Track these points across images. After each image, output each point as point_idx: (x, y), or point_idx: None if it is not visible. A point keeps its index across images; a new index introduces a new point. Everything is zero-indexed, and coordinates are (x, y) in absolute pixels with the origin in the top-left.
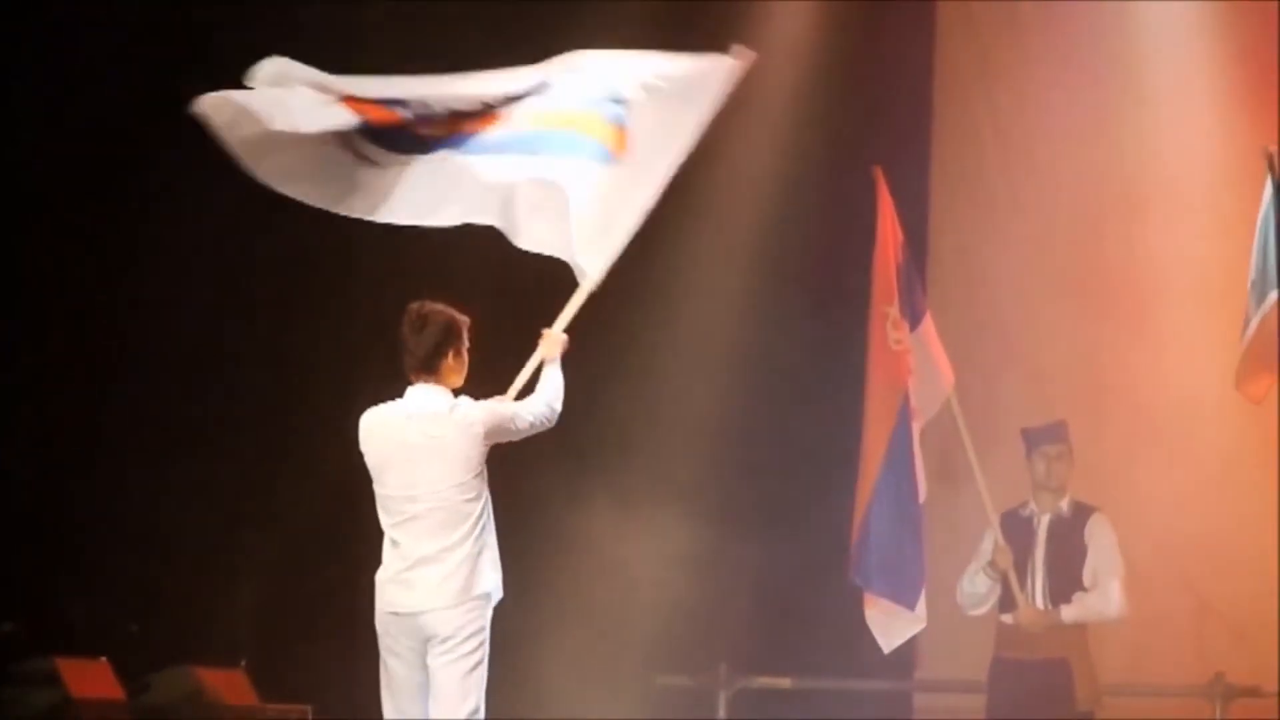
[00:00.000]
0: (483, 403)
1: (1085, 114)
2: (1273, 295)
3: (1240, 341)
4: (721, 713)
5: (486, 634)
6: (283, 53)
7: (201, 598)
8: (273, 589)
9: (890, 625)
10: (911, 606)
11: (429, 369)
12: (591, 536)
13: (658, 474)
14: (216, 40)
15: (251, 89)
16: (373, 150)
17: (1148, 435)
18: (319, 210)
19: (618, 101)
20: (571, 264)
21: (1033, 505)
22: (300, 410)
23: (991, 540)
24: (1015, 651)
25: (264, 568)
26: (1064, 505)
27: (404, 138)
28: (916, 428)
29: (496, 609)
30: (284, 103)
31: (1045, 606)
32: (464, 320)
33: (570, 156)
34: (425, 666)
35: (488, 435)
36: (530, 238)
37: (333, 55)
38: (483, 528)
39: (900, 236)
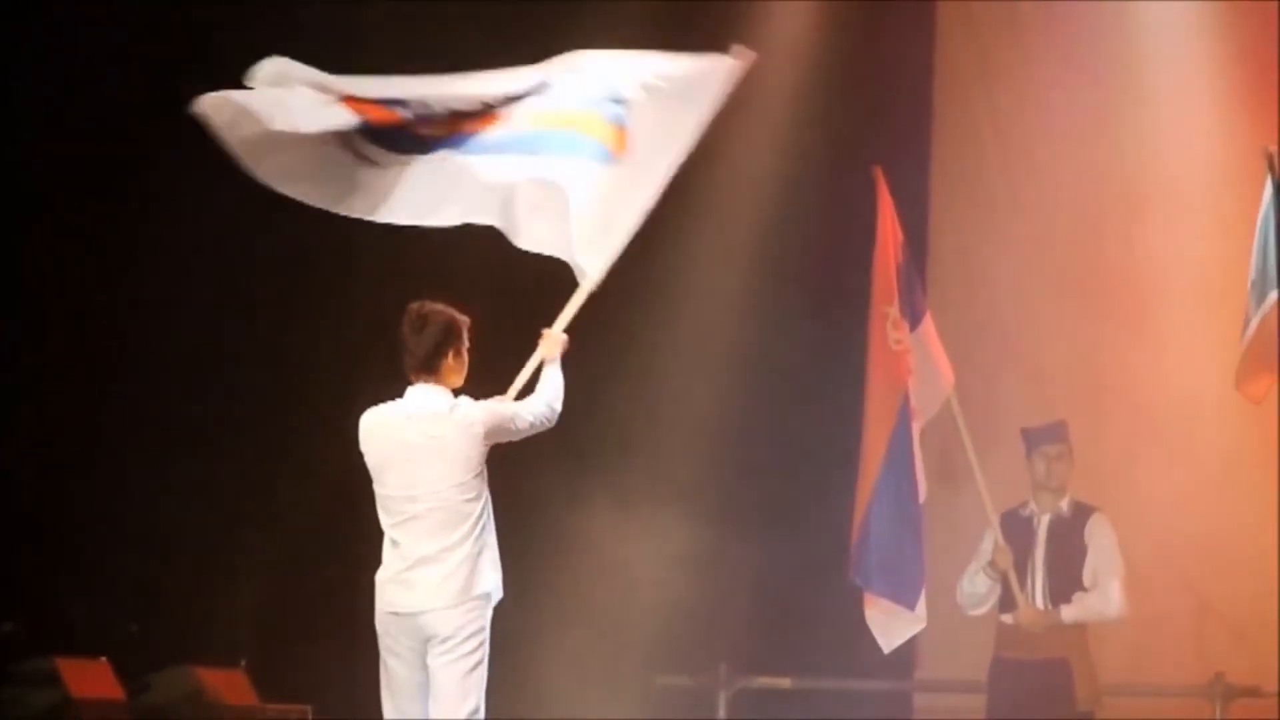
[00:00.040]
0: (482, 403)
1: (1085, 114)
2: (1273, 295)
3: (1240, 341)
4: (721, 713)
5: (486, 634)
6: (283, 52)
7: (201, 598)
8: (273, 589)
9: (890, 625)
10: (911, 606)
11: (429, 369)
12: (591, 536)
13: (658, 474)
14: (216, 40)
15: (251, 89)
16: (373, 150)
17: (1148, 435)
18: (318, 210)
19: (618, 101)
20: (571, 264)
21: (1033, 505)
22: (300, 410)
23: (991, 540)
24: (1015, 651)
25: (264, 568)
26: (1064, 505)
27: (404, 138)
28: (916, 428)
29: (497, 609)
30: (284, 103)
31: (1045, 606)
32: (464, 320)
33: (570, 156)
34: (425, 666)
35: (488, 435)
36: (530, 238)
37: (333, 55)
38: (483, 528)
39: (900, 236)
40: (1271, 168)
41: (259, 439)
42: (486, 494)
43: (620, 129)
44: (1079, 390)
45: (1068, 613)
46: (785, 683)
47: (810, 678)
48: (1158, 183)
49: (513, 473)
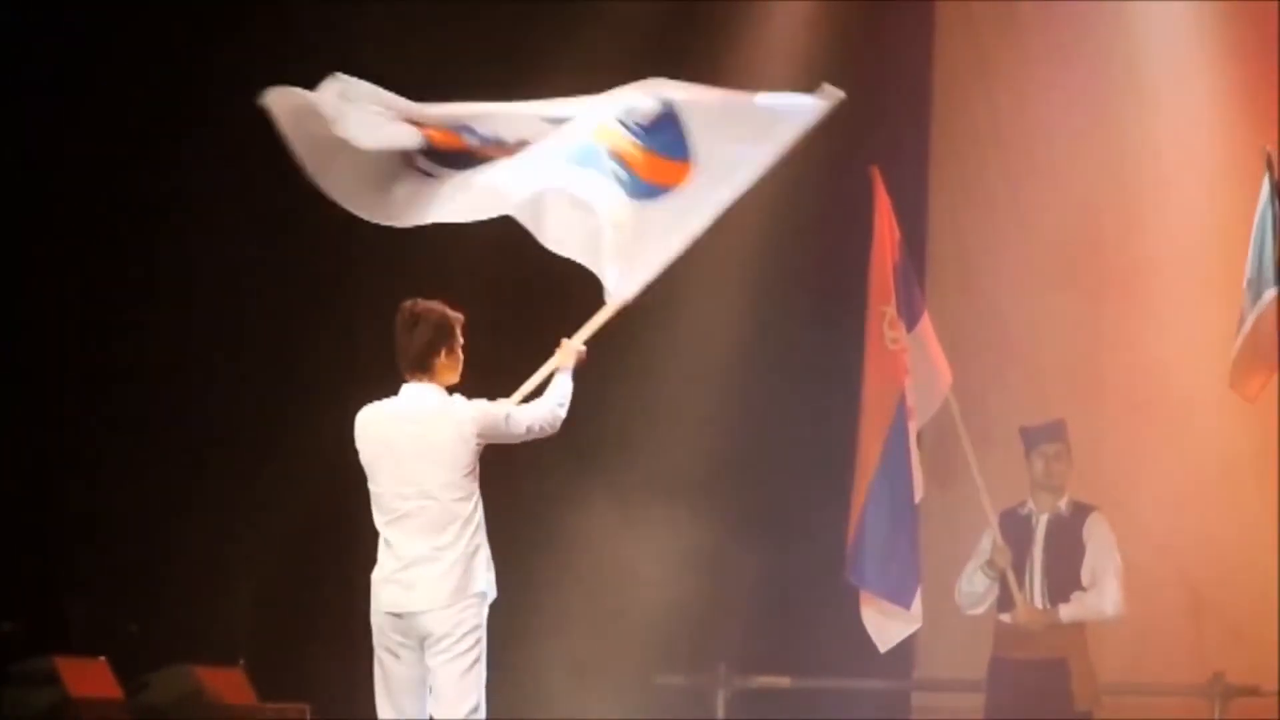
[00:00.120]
0: (475, 402)
1: (1085, 114)
2: (1269, 293)
3: (1235, 340)
4: (720, 712)
5: (483, 631)
6: (283, 52)
7: (200, 597)
8: (271, 588)
9: (886, 625)
10: (907, 606)
11: (422, 367)
12: (591, 536)
13: (658, 474)
14: (218, 41)
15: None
16: (431, 165)
17: (1147, 435)
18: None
19: (683, 133)
20: (600, 277)
21: (1031, 504)
22: (299, 409)
23: (990, 539)
24: (1014, 651)
25: (262, 567)
26: (1062, 504)
27: (465, 158)
28: (914, 427)
29: (496, 609)
30: (347, 115)
31: (1044, 606)
32: (457, 317)
33: (607, 179)
34: (423, 664)
35: (480, 435)
36: (556, 241)
37: (333, 55)
38: (475, 528)
39: (898, 236)
40: (1269, 167)
41: (258, 439)
42: (478, 494)
43: (674, 162)
44: (1078, 389)
45: (1066, 612)
46: (784, 682)
47: (809, 677)
48: (1157, 182)
49: (513, 473)
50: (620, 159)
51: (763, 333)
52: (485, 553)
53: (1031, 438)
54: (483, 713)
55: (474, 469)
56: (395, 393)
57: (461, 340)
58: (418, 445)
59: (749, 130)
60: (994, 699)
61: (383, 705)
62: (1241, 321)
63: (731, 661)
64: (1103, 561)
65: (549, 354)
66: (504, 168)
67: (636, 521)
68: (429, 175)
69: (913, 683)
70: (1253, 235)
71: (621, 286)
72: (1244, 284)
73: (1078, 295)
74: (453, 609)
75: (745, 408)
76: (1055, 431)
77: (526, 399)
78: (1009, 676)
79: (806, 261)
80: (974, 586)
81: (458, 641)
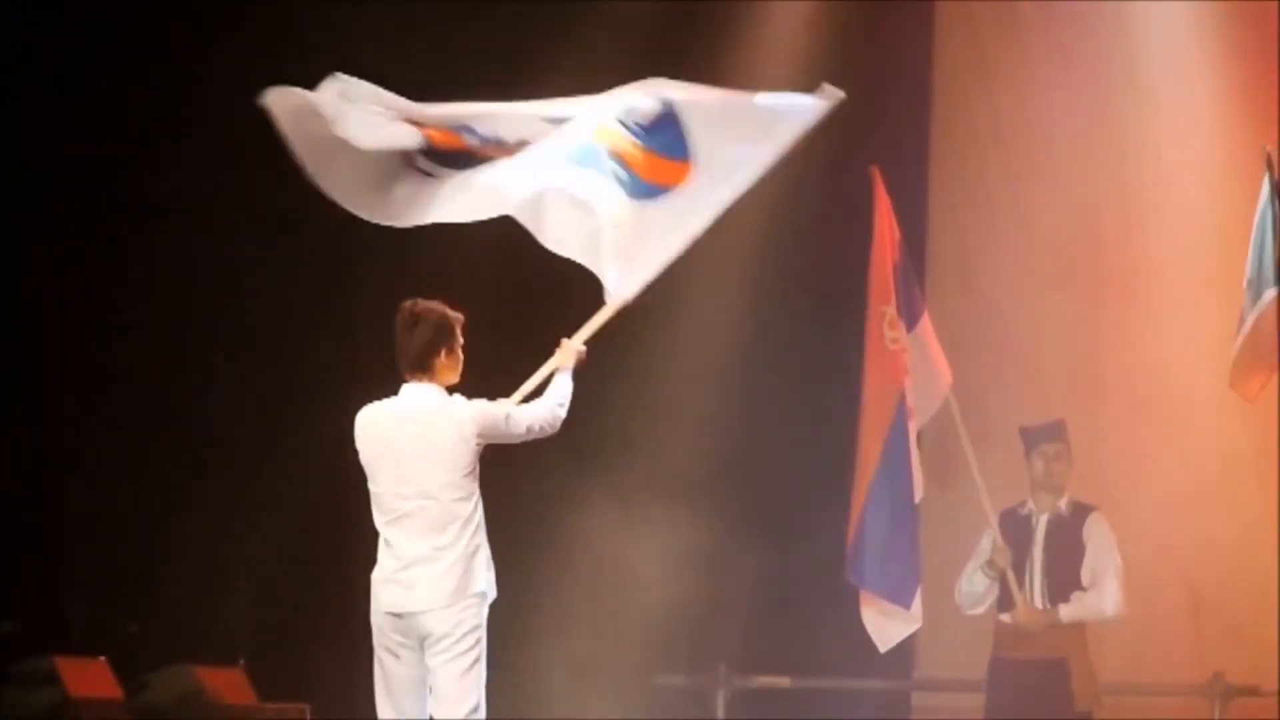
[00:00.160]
0: (475, 402)
1: (1085, 114)
2: (1269, 293)
3: (1235, 340)
4: (720, 712)
5: (483, 631)
6: (284, 52)
7: (200, 597)
8: (271, 588)
9: (886, 625)
10: (907, 606)
11: (422, 367)
12: (591, 536)
13: (658, 474)
14: (218, 42)
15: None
16: (431, 165)
17: (1147, 435)
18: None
19: (683, 133)
20: (599, 277)
21: (1031, 504)
22: (299, 409)
23: (990, 539)
24: (1014, 651)
25: (262, 567)
26: (1062, 504)
27: (465, 158)
28: (914, 427)
29: (496, 609)
30: (347, 115)
31: (1043, 606)
32: (457, 317)
33: (607, 179)
34: (423, 663)
35: (480, 435)
36: (556, 241)
37: (333, 55)
38: (475, 528)
39: (897, 236)
40: (1270, 167)
41: (258, 439)
42: (477, 494)
43: (674, 162)
44: (1078, 389)
45: (1066, 612)
46: (784, 682)
47: (809, 677)
48: (1157, 182)
49: (513, 473)
50: (620, 159)
51: (763, 333)
52: (485, 553)
53: (1031, 438)
54: (483, 712)
55: (474, 469)
56: (395, 393)
57: (461, 340)
58: (418, 445)
59: (749, 130)
60: (994, 699)
61: (382, 705)
62: (1241, 321)
63: (731, 661)
64: (1103, 561)
65: (549, 354)
66: (504, 168)
67: (636, 521)
68: (429, 175)
69: (913, 683)
70: (1253, 235)
71: (621, 287)
72: (1244, 284)
73: (1078, 295)
74: (453, 609)
75: (745, 408)
76: (1055, 431)
77: (527, 399)
78: (1009, 676)
79: (806, 261)
80: (974, 586)
81: (457, 641)
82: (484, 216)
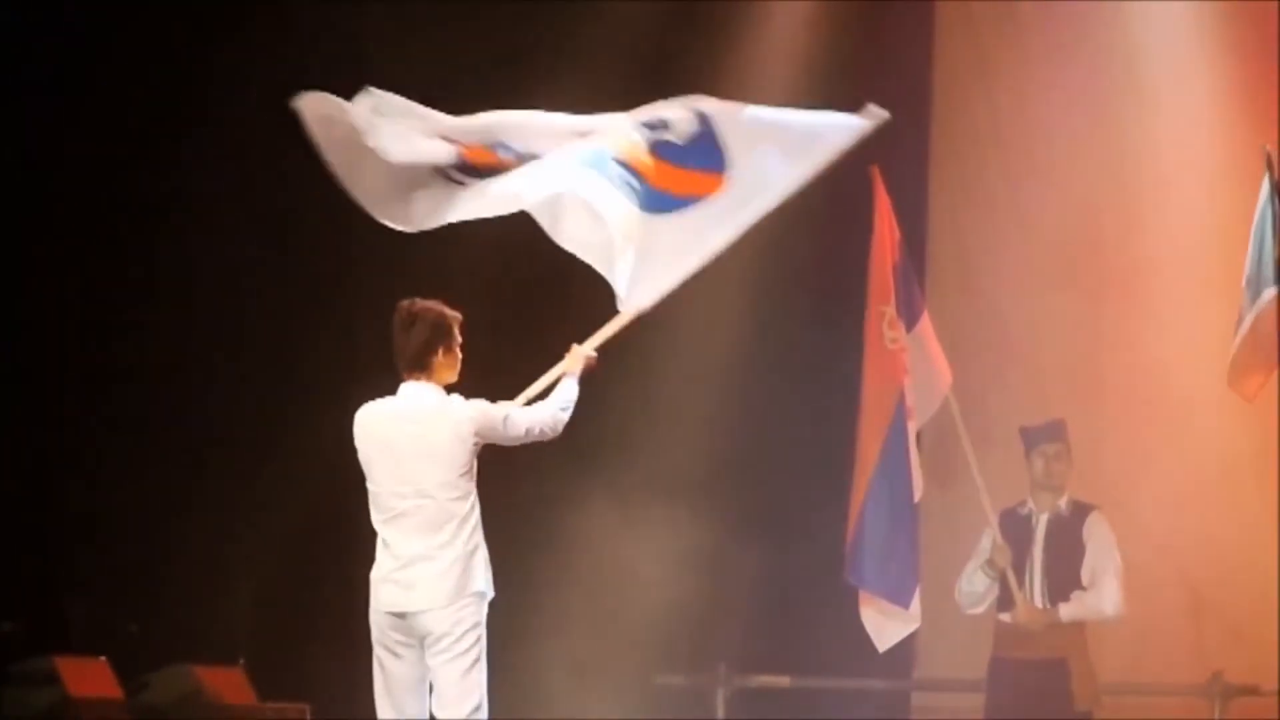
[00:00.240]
0: (474, 402)
1: (1084, 114)
2: (1269, 292)
3: (1233, 339)
4: (720, 712)
5: (482, 630)
6: (283, 52)
7: (200, 597)
8: (271, 588)
9: (884, 625)
10: (905, 605)
11: (420, 366)
12: (591, 536)
13: (658, 474)
14: (217, 41)
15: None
16: (463, 177)
17: (1147, 434)
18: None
19: (720, 145)
20: (611, 284)
21: (1031, 504)
22: (299, 409)
23: (990, 539)
24: (1014, 651)
25: (262, 567)
26: (1062, 504)
27: (498, 171)
28: (913, 427)
29: (496, 609)
30: (378, 128)
31: (1043, 605)
32: (455, 316)
33: (617, 186)
34: (423, 662)
35: (477, 434)
36: (571, 240)
37: (333, 55)
38: (473, 527)
39: (897, 235)
40: (1269, 166)
41: (258, 439)
42: (474, 494)
43: (708, 174)
44: (1078, 389)
45: (1066, 611)
46: (784, 681)
47: (808, 677)
48: (1157, 182)
49: (513, 473)
50: (633, 168)
51: (763, 333)
52: (483, 552)
53: (1031, 437)
54: (485, 712)
55: (471, 469)
56: (395, 393)
57: (459, 339)
58: (416, 445)
59: (787, 145)
60: (994, 699)
61: (382, 705)
62: (1240, 320)
63: (731, 661)
64: (1102, 561)
65: (549, 354)
66: (521, 174)
67: (636, 521)
68: (459, 184)
69: (913, 682)
70: (1252, 234)
71: (635, 296)
72: (1243, 283)
73: (1078, 295)
74: (451, 608)
75: (745, 408)
76: (1055, 431)
77: (531, 402)
78: (1009, 676)
79: (806, 261)
80: (974, 586)
81: (457, 640)
82: (501, 212)
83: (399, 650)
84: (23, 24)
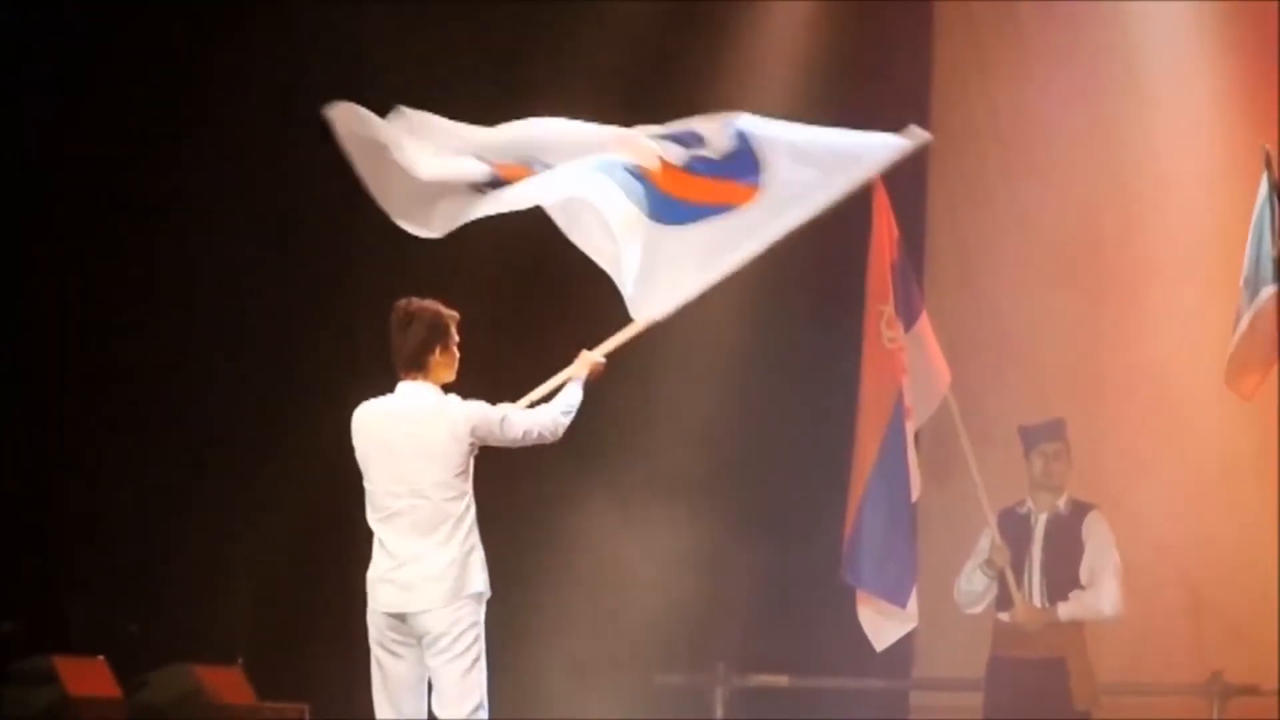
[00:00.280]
0: (471, 402)
1: (1084, 114)
2: (1267, 291)
3: (1231, 338)
4: (719, 711)
5: (481, 629)
6: (284, 53)
7: (199, 596)
8: (270, 587)
9: (882, 624)
10: (903, 605)
11: (417, 366)
12: (591, 536)
13: (657, 474)
14: (217, 41)
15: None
16: (493, 190)
17: (1147, 435)
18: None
19: (755, 156)
20: (622, 292)
21: (1030, 503)
22: (300, 410)
23: (989, 538)
24: (1012, 650)
25: (261, 566)
26: (1061, 503)
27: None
28: (911, 427)
29: (496, 609)
30: (407, 146)
31: (1042, 605)
32: (452, 315)
33: (623, 193)
34: (421, 662)
35: (474, 435)
36: (585, 240)
37: (333, 55)
38: (469, 528)
39: (896, 235)
40: (1268, 165)
41: (258, 439)
42: (470, 495)
43: (741, 184)
44: (1078, 389)
45: (1064, 610)
46: (782, 681)
47: (807, 676)
48: (1156, 182)
49: (513, 474)
50: (647, 176)
51: (763, 333)
52: (480, 553)
53: (1031, 437)
54: (485, 711)
55: (467, 469)
56: (394, 392)
57: (457, 338)
58: (414, 444)
59: (825, 163)
60: (992, 698)
61: (381, 704)
62: (1238, 319)
63: (730, 661)
64: (1101, 560)
65: (549, 353)
66: (535, 181)
67: (636, 521)
68: (483, 193)
69: (911, 682)
70: (1250, 233)
71: (652, 305)
72: (1240, 282)
73: (1078, 295)
74: (449, 609)
75: (745, 408)
76: (1054, 430)
77: (535, 405)
78: (1007, 675)
79: (806, 261)
80: (973, 585)
81: (456, 640)
82: (517, 208)
83: (397, 650)
84: (23, 24)
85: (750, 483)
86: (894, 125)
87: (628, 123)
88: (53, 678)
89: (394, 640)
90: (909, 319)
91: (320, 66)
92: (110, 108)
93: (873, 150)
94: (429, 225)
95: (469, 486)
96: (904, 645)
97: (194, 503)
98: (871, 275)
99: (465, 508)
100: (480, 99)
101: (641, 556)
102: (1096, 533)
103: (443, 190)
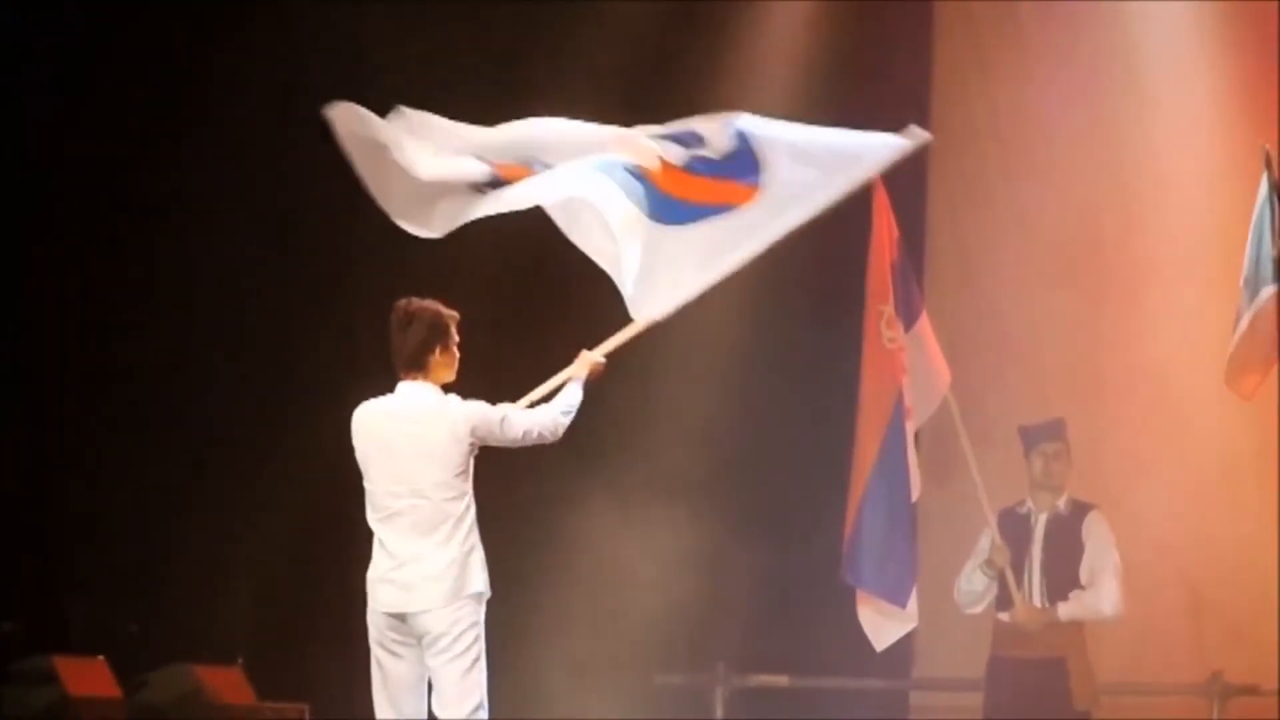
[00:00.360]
0: (471, 402)
1: (1084, 114)
2: (1267, 291)
3: (1231, 338)
4: (719, 711)
5: (481, 629)
6: (284, 53)
7: (199, 596)
8: (270, 588)
9: (882, 624)
10: (902, 605)
11: (417, 366)
12: (591, 536)
13: (657, 474)
14: (217, 41)
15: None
16: (495, 191)
17: (1147, 435)
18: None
19: (755, 156)
20: (622, 292)
21: (1030, 503)
22: (300, 410)
23: (989, 538)
24: (1012, 650)
25: (261, 566)
26: (1061, 503)
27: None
28: (911, 427)
29: (496, 609)
30: (407, 146)
31: (1042, 605)
32: (452, 315)
33: (623, 194)
34: (421, 662)
35: (474, 435)
36: (584, 242)
37: (333, 55)
38: (469, 528)
39: (896, 235)
40: (1268, 165)
41: (258, 439)
42: (470, 495)
43: (741, 184)
44: (1078, 389)
45: (1064, 610)
46: (782, 681)
47: (807, 676)
48: (1156, 182)
49: (514, 474)
50: (646, 176)
51: (763, 333)
52: (480, 553)
53: (1031, 437)
54: (485, 711)
55: (467, 469)
56: (394, 392)
57: (456, 338)
58: (414, 444)
59: (826, 163)
60: (992, 698)
61: (380, 704)
62: (1238, 319)
63: (730, 661)
64: (1101, 560)
65: (549, 353)
66: (535, 181)
67: (636, 521)
68: (483, 193)
69: (911, 682)
70: (1250, 233)
71: (652, 305)
72: (1240, 282)
73: (1078, 295)
74: (449, 609)
75: (745, 408)
76: (1054, 430)
77: (535, 406)
78: (1007, 675)
79: (806, 261)
80: (973, 585)
81: (456, 640)
82: (518, 208)
83: (397, 650)
84: (23, 24)
85: (750, 483)
86: (894, 125)
87: (628, 123)
88: (53, 678)
89: (394, 640)
90: (909, 319)
91: (320, 66)
92: (110, 108)
93: (873, 150)
94: (429, 225)
95: (469, 486)
96: (904, 645)
97: (194, 503)
98: (871, 275)
99: (465, 508)
100: (480, 99)
101: (641, 556)
102: (1096, 533)
103: (443, 190)
